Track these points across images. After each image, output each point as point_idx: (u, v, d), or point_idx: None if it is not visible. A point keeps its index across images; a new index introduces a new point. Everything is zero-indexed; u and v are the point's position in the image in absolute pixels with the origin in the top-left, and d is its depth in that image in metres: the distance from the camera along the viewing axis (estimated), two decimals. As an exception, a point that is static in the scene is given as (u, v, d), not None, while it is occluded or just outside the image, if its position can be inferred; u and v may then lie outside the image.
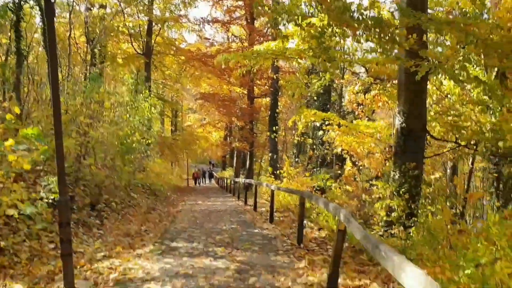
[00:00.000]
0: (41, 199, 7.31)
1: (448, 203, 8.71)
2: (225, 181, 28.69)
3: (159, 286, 5.03)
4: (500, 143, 7.33)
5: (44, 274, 6.01)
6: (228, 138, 38.89)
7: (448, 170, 12.50)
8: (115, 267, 6.10)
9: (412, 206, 7.77)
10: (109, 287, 5.05)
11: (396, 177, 8.16)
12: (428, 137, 9.19)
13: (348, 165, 13.73)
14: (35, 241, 7.30)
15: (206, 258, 6.49)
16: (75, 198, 9.63)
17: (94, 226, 9.47)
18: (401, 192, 7.90)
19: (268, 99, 26.86)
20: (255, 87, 28.08)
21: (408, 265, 2.16)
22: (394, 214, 7.90)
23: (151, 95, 20.07)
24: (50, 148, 7.00)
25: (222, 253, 6.83)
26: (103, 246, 7.85)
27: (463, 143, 8.92)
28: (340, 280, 5.28)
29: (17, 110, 7.69)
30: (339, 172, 16.54)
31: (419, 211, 8.24)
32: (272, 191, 10.44)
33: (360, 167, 13.44)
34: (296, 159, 24.25)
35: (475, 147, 8.81)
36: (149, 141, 15.73)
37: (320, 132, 15.69)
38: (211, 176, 48.77)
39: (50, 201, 7.46)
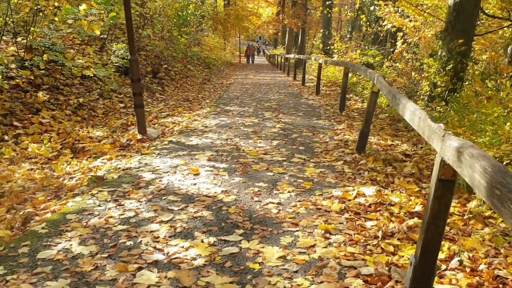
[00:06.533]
0: (112, 63, 8.20)
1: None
2: (276, 58, 29.02)
3: (216, 134, 5.97)
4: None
5: (119, 125, 7.13)
6: (280, 14, 37.96)
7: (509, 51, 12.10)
8: (178, 122, 7.11)
9: (457, 83, 7.99)
10: (175, 135, 6.03)
11: (444, 53, 8.31)
12: (482, 14, 9.00)
13: (399, 42, 13.58)
14: (107, 100, 8.42)
15: (256, 118, 7.38)
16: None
17: (157, 92, 10.54)
18: (446, 69, 8.11)
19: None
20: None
21: (410, 104, 2.72)
22: (438, 90, 8.21)
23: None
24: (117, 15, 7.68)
25: (269, 116, 7.66)
26: (166, 108, 8.91)
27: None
28: (374, 140, 5.99)
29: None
30: (391, 50, 16.33)
31: (464, 89, 8.45)
32: (320, 64, 10.87)
33: (411, 45, 13.29)
34: (349, 36, 23.81)
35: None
36: (203, 14, 16.06)
37: (372, 7, 15.25)
38: (258, 51, 49.25)
39: (119, 64, 8.35)
